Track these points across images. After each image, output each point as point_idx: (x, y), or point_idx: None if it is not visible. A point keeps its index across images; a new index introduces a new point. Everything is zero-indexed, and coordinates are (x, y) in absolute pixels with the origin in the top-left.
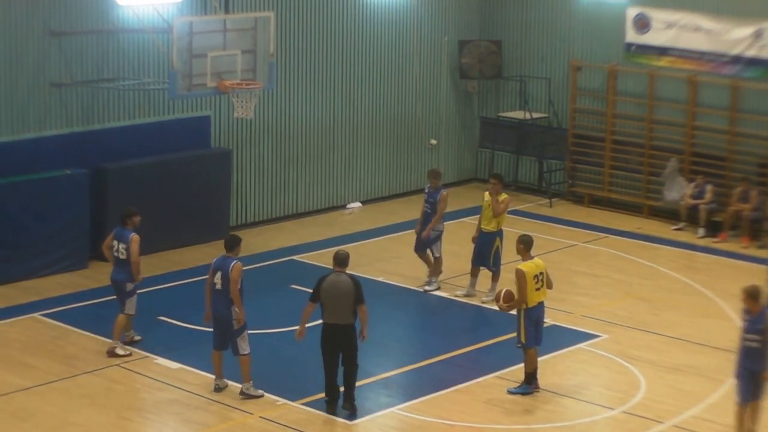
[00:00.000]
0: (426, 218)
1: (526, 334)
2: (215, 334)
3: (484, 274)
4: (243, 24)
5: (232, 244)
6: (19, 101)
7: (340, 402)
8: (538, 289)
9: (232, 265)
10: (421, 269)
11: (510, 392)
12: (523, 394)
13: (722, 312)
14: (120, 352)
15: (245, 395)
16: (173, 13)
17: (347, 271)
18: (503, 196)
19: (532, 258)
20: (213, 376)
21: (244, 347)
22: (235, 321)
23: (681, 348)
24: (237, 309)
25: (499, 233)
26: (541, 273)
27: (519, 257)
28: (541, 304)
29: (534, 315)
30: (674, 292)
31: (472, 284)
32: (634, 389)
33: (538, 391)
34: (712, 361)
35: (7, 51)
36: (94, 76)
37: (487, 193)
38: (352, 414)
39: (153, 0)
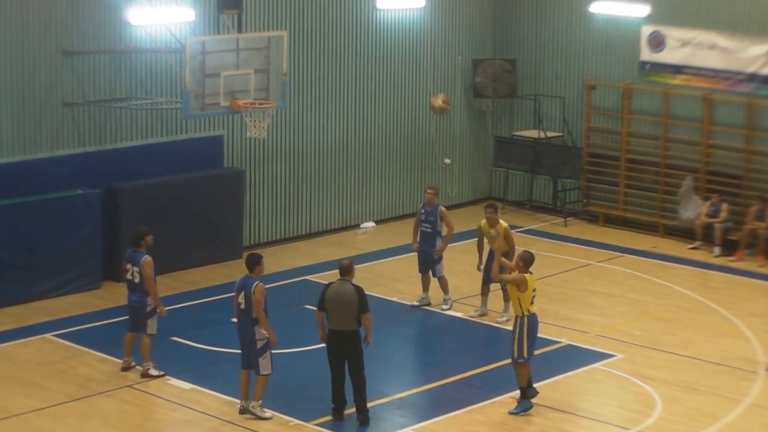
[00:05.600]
0: (426, 237)
1: (529, 348)
2: (242, 353)
3: (496, 294)
4: (256, 43)
5: (253, 263)
6: (32, 121)
7: (347, 410)
8: (532, 302)
9: (254, 286)
10: (435, 289)
11: (511, 413)
12: (525, 411)
13: (738, 331)
14: (153, 372)
15: (250, 413)
16: (186, 32)
17: (352, 281)
18: (502, 228)
19: (530, 273)
20: (226, 397)
21: (266, 367)
22: (259, 341)
23: (697, 367)
24: (264, 330)
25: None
26: (535, 289)
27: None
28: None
29: (535, 323)
30: (690, 311)
31: (484, 303)
32: (650, 409)
33: (537, 393)
34: (728, 380)
35: (20, 71)
36: (106, 95)
37: (484, 222)
38: (364, 423)
39: (166, 19)
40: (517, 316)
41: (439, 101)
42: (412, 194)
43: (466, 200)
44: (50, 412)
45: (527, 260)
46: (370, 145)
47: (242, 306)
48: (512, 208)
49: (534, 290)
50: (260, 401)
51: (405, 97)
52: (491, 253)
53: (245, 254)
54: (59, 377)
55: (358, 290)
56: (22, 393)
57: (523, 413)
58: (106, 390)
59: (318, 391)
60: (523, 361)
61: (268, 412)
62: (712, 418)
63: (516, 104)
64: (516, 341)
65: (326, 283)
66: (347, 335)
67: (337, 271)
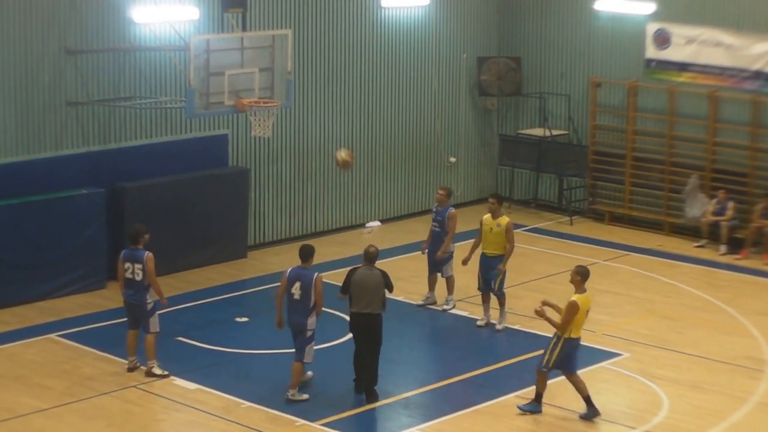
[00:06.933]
0: (435, 237)
1: (555, 363)
2: (296, 344)
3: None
4: (260, 42)
5: (308, 254)
6: (35, 120)
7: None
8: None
9: (314, 278)
10: (441, 289)
11: (519, 408)
12: (532, 412)
13: (745, 329)
14: (158, 371)
15: (291, 401)
16: (190, 30)
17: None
18: (505, 220)
19: (585, 291)
20: (231, 397)
21: (310, 355)
22: (309, 330)
23: (703, 366)
24: (313, 318)
25: (502, 257)
26: (588, 310)
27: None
28: (579, 338)
29: (572, 348)
30: (696, 309)
31: (486, 309)
32: (657, 408)
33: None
34: (735, 378)
35: (23, 70)
36: (110, 94)
37: (487, 216)
38: (374, 399)
39: (170, 18)
40: (556, 333)
41: (342, 154)
42: (417, 193)
43: (472, 199)
44: (54, 412)
45: (584, 275)
46: (375, 143)
47: (296, 296)
48: (518, 207)
49: (587, 312)
50: (297, 388)
51: (410, 95)
52: (483, 258)
53: (300, 245)
54: (63, 377)
55: (384, 274)
56: (25, 393)
57: (529, 413)
58: (111, 390)
59: (324, 390)
60: (546, 371)
61: (305, 395)
62: (719, 416)
63: (521, 102)
64: (549, 351)
65: (350, 269)
66: (371, 318)
67: (363, 255)
